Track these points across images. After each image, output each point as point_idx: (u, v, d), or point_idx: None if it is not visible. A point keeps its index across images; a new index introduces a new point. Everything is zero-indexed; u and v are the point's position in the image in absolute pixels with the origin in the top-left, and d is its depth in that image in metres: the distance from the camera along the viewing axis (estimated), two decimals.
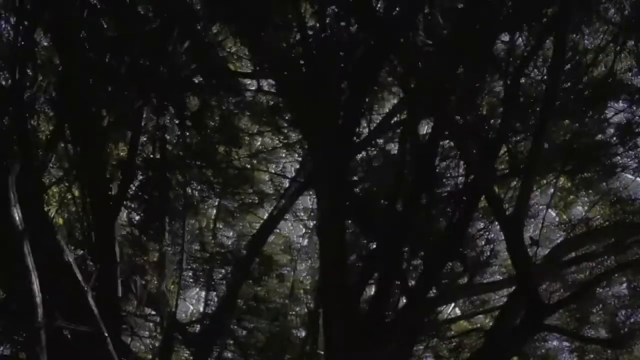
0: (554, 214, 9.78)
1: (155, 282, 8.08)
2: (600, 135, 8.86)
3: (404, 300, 8.32)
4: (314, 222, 9.01)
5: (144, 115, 7.93)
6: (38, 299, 5.08)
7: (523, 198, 7.09)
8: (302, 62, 8.24)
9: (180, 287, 8.56)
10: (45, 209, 7.45)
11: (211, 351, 8.49)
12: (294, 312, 9.86)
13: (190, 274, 9.52)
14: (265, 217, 9.49)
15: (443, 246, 7.73)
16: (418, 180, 8.18)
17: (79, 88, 7.16)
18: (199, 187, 9.26)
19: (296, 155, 9.70)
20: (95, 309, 6.21)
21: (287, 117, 9.00)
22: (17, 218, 4.98)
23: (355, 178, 8.75)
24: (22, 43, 7.16)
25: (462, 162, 8.06)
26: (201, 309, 9.74)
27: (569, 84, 8.31)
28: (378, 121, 8.91)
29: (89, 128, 7.27)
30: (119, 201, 7.46)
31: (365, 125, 8.58)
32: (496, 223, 8.24)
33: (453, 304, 9.51)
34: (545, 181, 9.11)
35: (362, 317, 8.11)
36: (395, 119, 8.98)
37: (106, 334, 6.26)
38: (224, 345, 8.87)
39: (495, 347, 7.11)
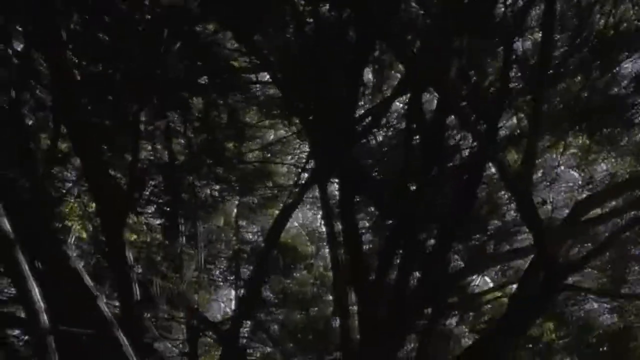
0: (576, 175, 9.57)
1: (176, 284, 8.12)
2: (614, 89, 8.64)
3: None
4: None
5: (147, 119, 7.97)
6: (39, 305, 5.13)
7: (529, 158, 6.97)
8: (298, 53, 8.26)
9: (200, 286, 8.58)
10: (58, 218, 7.61)
11: (238, 346, 8.50)
12: (321, 302, 9.82)
13: (217, 272, 9.57)
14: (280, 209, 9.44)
15: (455, 215, 7.62)
16: (426, 154, 8.12)
17: (77, 96, 7.24)
18: (214, 186, 9.28)
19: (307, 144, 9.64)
20: (108, 314, 6.27)
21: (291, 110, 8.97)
22: (6, 227, 5.05)
23: (364, 161, 8.71)
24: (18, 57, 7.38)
25: (466, 131, 7.93)
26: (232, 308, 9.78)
27: (573, 39, 8.17)
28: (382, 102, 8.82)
29: (90, 135, 7.34)
30: (126, 205, 7.50)
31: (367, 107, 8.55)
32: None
33: (483, 276, 9.34)
34: (563, 141, 8.97)
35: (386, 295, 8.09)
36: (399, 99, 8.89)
37: (123, 338, 6.31)
38: (251, 339, 8.89)
39: (518, 312, 6.97)
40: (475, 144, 7.66)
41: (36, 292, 5.15)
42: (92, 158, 7.35)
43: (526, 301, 6.98)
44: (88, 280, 6.33)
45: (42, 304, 5.18)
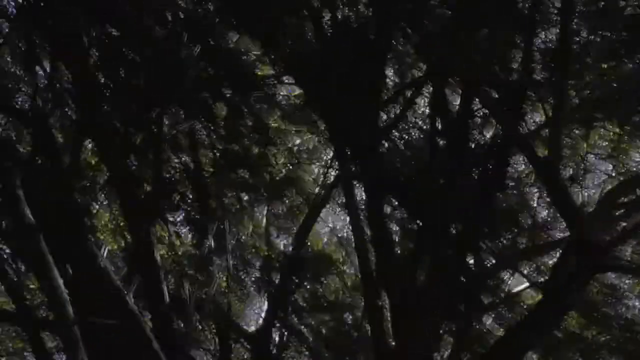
0: (611, 166, 9.42)
1: (206, 290, 8.08)
2: None
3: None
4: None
5: (170, 125, 8.01)
6: (65, 295, 5.12)
7: (555, 140, 6.87)
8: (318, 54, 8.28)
9: (230, 293, 8.51)
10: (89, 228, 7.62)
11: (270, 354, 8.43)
12: (352, 306, 9.69)
13: (249, 281, 9.52)
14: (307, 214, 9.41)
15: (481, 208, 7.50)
16: (452, 148, 8.05)
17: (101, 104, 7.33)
18: (242, 194, 9.27)
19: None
20: (135, 310, 6.26)
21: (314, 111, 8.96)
22: (28, 216, 5.07)
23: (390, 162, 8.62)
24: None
25: (490, 119, 7.84)
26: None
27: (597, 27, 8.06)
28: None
29: (112, 142, 7.40)
30: (153, 212, 7.51)
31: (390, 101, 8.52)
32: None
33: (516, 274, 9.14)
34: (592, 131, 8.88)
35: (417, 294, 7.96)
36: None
37: (151, 335, 6.28)
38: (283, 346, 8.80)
39: (551, 298, 6.80)
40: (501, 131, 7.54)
41: (60, 283, 5.14)
42: (117, 166, 7.43)
43: (556, 292, 6.81)
44: (115, 279, 6.32)
45: (67, 295, 5.17)
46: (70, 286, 5.71)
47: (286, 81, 9.14)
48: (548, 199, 8.20)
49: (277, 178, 9.59)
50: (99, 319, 5.73)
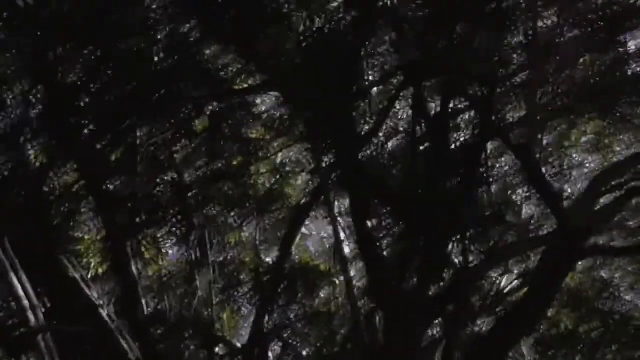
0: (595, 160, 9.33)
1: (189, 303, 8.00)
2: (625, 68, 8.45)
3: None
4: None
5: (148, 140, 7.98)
6: (26, 302, 5.04)
7: (531, 125, 6.83)
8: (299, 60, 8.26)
9: (214, 305, 8.42)
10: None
11: None
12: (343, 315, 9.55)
13: (238, 295, 9.43)
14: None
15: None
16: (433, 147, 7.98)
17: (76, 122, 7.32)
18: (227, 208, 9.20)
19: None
20: (109, 320, 6.17)
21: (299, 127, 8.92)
22: None
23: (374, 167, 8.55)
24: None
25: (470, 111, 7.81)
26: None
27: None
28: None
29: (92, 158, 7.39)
30: (133, 224, 7.47)
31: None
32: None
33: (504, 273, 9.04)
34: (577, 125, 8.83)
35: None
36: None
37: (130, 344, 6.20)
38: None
39: (537, 289, 6.70)
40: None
41: (28, 288, 5.06)
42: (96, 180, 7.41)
43: (542, 282, 6.72)
44: (87, 289, 6.25)
45: (35, 301, 5.09)
46: (43, 296, 5.65)
47: (267, 90, 9.04)
48: (533, 191, 8.09)
49: (261, 191, 9.51)
50: (71, 328, 5.62)
